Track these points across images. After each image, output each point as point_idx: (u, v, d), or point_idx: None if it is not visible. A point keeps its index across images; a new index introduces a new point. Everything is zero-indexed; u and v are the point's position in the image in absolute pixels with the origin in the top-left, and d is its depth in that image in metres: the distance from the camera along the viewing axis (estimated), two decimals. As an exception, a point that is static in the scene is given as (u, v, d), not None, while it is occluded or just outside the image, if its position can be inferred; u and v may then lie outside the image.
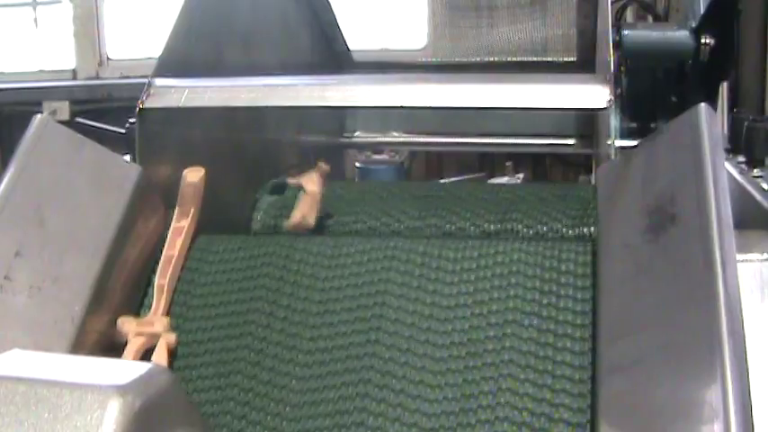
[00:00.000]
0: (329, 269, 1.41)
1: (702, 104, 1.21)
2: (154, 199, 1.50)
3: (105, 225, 1.38)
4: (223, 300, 1.43)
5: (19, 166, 1.34)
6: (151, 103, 1.51)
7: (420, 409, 1.23)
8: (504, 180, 4.23)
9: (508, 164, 4.50)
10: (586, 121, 2.32)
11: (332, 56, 2.50)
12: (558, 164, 4.77)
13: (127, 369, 0.81)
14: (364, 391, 1.26)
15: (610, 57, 1.43)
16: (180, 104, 1.50)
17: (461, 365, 1.26)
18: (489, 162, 4.80)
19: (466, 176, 4.53)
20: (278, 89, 1.51)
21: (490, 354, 1.25)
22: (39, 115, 1.42)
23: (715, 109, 2.49)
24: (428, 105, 1.43)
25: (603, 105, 1.34)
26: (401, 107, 1.44)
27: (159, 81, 1.54)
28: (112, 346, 1.36)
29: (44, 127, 1.39)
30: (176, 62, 1.61)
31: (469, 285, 1.34)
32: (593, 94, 1.36)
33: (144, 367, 0.81)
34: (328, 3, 2.43)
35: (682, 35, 2.25)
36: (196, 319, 1.42)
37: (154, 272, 1.45)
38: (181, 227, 1.48)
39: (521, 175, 4.42)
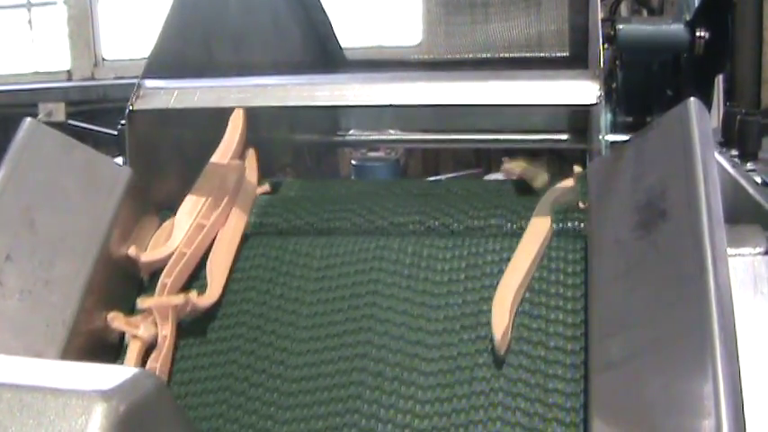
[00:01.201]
0: (319, 270, 1.42)
1: (692, 99, 1.21)
2: (144, 201, 1.50)
3: (96, 228, 1.38)
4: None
5: (8, 170, 1.33)
6: (141, 104, 1.51)
7: (413, 410, 1.23)
8: (501, 176, 4.22)
9: (505, 159, 4.49)
10: (580, 116, 2.31)
11: (324, 55, 2.50)
12: (555, 159, 4.76)
13: (112, 374, 0.80)
14: (356, 393, 1.26)
15: (600, 52, 1.42)
16: (169, 106, 1.50)
17: (453, 366, 1.26)
18: (485, 158, 4.80)
19: (462, 173, 4.53)
20: (268, 89, 1.50)
21: (482, 354, 1.25)
22: (28, 118, 1.42)
23: (710, 102, 2.50)
24: (417, 103, 1.43)
25: (593, 101, 1.34)
26: (391, 105, 1.44)
27: (149, 82, 1.54)
28: (105, 349, 1.36)
29: (33, 130, 1.39)
30: (166, 63, 1.60)
31: (459, 285, 1.34)
32: (583, 90, 1.35)
33: (129, 372, 0.81)
34: (319, 2, 2.42)
35: (676, 29, 2.25)
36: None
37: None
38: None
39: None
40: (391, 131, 2.71)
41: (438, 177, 4.25)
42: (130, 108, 1.50)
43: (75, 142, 1.43)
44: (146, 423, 0.78)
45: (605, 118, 1.36)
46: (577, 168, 1.45)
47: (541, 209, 1.40)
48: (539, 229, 1.36)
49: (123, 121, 1.53)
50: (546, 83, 1.39)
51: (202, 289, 1.41)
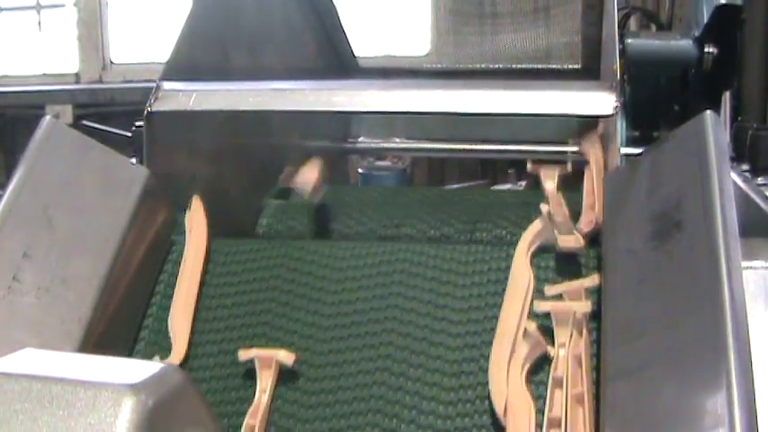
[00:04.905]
0: (341, 273, 1.42)
1: (708, 112, 1.22)
2: (161, 201, 1.51)
3: (112, 227, 1.39)
4: (235, 302, 1.43)
5: (27, 168, 1.35)
6: (159, 106, 1.52)
7: (435, 411, 1.24)
8: (507, 187, 4.23)
9: (511, 171, 4.50)
10: (591, 128, 2.32)
11: (337, 61, 2.51)
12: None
13: (140, 368, 0.81)
14: (378, 394, 1.27)
15: (616, 63, 1.43)
16: (188, 108, 1.51)
17: (476, 368, 1.26)
18: (491, 169, 4.80)
19: (468, 183, 4.54)
20: (285, 93, 1.52)
21: None
22: (47, 117, 1.43)
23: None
24: (434, 111, 1.44)
25: (610, 112, 1.35)
26: (407, 113, 1.45)
27: (167, 84, 1.55)
28: (119, 347, 1.37)
29: (52, 129, 1.40)
30: (184, 66, 1.62)
31: (481, 288, 1.34)
32: (600, 101, 1.36)
33: (157, 366, 0.82)
34: (334, 8, 2.44)
35: (685, 44, 2.25)
36: (208, 320, 1.42)
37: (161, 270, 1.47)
38: None
39: (523, 183, 4.42)
40: (397, 140, 2.72)
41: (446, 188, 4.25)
42: (149, 109, 1.51)
43: (93, 142, 1.44)
44: (172, 417, 0.79)
45: (622, 130, 1.36)
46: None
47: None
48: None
49: (139, 123, 1.55)
50: (562, 93, 1.40)
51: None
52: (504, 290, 1.33)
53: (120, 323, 1.38)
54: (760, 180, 1.60)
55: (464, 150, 2.71)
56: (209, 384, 1.36)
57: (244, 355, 1.33)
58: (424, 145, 2.71)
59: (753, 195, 1.45)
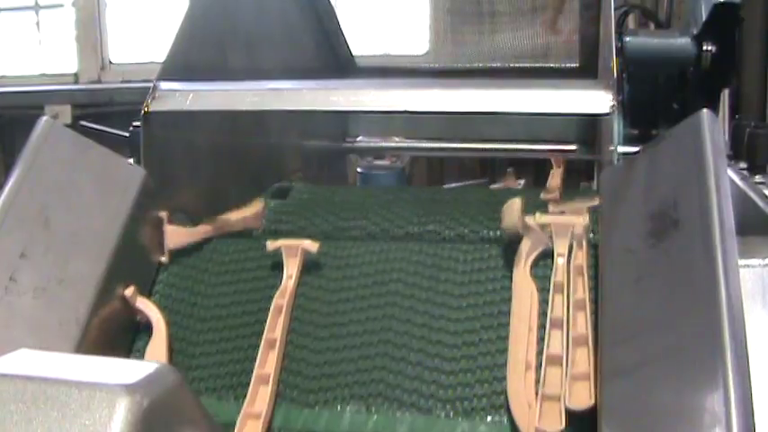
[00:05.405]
0: (338, 272, 1.43)
1: (705, 110, 1.22)
2: (158, 202, 1.51)
3: (110, 227, 1.39)
4: (234, 300, 1.44)
5: (24, 168, 1.34)
6: (156, 106, 1.52)
7: (432, 409, 1.24)
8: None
9: (510, 170, 4.50)
10: (588, 127, 2.32)
11: (335, 61, 2.51)
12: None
13: (135, 368, 0.81)
14: (376, 391, 1.27)
15: (612, 62, 1.43)
16: (185, 108, 1.51)
17: (473, 366, 1.27)
18: (490, 168, 4.80)
19: (467, 182, 4.53)
20: (283, 93, 1.51)
21: (502, 354, 1.26)
22: (44, 117, 1.42)
23: (716, 116, 2.50)
24: (433, 110, 1.44)
25: (606, 111, 1.35)
26: (405, 112, 1.45)
27: (164, 84, 1.55)
28: (117, 347, 1.37)
29: (50, 129, 1.40)
30: (181, 66, 1.61)
31: (479, 286, 1.35)
32: (596, 100, 1.36)
33: (152, 367, 0.82)
34: (332, 9, 2.44)
35: (683, 42, 2.25)
36: (207, 319, 1.42)
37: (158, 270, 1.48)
38: None
39: (522, 182, 4.42)
40: (396, 139, 2.72)
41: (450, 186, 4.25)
42: (146, 109, 1.51)
43: (91, 142, 1.44)
44: (167, 417, 0.79)
45: (619, 128, 1.36)
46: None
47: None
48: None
49: (136, 123, 1.54)
50: (559, 92, 1.40)
51: None
52: (502, 287, 1.34)
53: (118, 324, 1.37)
54: (757, 178, 1.60)
55: (463, 149, 2.71)
56: (240, 275, 1.45)
57: (271, 245, 1.43)
58: (423, 144, 2.72)
59: (750, 193, 1.45)
